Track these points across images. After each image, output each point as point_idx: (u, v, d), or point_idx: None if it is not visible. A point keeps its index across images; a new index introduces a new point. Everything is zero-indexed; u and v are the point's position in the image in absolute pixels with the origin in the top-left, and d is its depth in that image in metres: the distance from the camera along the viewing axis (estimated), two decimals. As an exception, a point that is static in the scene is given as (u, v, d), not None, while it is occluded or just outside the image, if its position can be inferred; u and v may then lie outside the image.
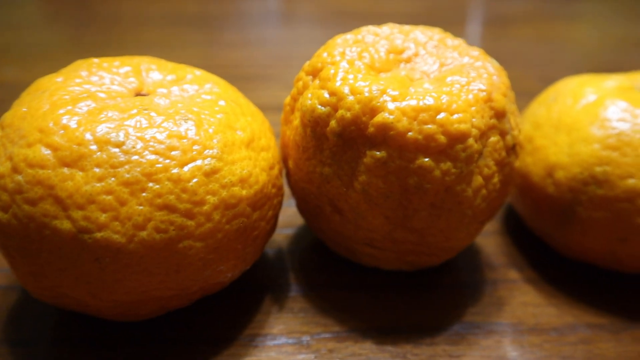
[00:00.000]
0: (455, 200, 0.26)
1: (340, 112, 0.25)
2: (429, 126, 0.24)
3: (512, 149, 0.27)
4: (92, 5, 0.86)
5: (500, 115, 0.26)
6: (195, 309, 0.29)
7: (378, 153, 0.25)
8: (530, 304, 0.30)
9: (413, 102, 0.25)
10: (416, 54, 0.29)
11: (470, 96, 0.25)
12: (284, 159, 0.30)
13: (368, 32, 0.30)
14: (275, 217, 0.28)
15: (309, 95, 0.27)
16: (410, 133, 0.24)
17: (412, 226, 0.26)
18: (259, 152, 0.27)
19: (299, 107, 0.28)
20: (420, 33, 0.30)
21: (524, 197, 0.32)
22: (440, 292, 0.31)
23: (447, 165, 0.25)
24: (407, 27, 0.31)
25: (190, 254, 0.23)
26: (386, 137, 0.25)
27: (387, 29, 0.30)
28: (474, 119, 0.25)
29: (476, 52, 0.29)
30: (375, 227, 0.27)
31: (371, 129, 0.25)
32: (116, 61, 0.28)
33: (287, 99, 0.29)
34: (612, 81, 0.32)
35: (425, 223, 0.26)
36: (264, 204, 0.27)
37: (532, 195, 0.32)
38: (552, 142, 0.31)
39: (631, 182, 0.28)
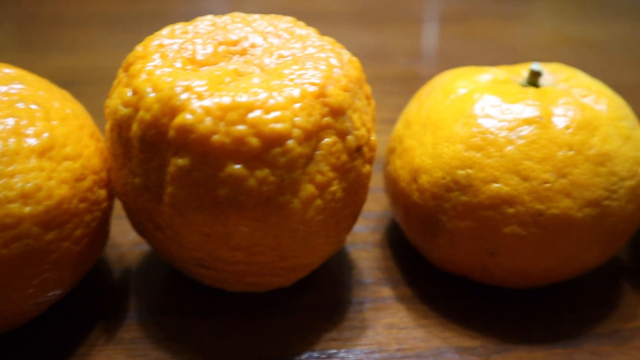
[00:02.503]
0: (279, 214, 0.22)
1: (140, 113, 0.22)
2: (239, 127, 0.21)
3: (357, 152, 0.24)
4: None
5: (336, 112, 0.23)
6: (10, 337, 0.25)
7: (181, 160, 0.21)
8: (396, 327, 0.27)
9: (223, 100, 0.21)
10: (253, 45, 0.25)
11: (296, 91, 0.22)
12: (109, 170, 0.26)
13: (202, 22, 0.26)
14: (91, 235, 0.25)
15: (115, 94, 0.23)
16: (215, 136, 0.21)
17: (236, 244, 0.23)
18: (60, 162, 0.23)
19: (106, 109, 0.24)
20: (265, 22, 0.26)
21: (395, 205, 0.29)
22: (296, 316, 0.27)
23: (263, 172, 0.21)
24: (253, 16, 0.27)
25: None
26: (188, 141, 0.21)
27: (228, 18, 0.27)
28: (296, 118, 0.21)
29: (323, 42, 0.25)
30: (197, 246, 0.23)
31: (172, 133, 0.21)
32: None
33: (107, 101, 0.26)
34: (489, 74, 0.28)
35: (249, 240, 0.23)
36: (66, 222, 0.23)
37: (401, 203, 0.28)
38: (418, 142, 0.27)
39: (495, 186, 0.24)
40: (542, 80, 0.28)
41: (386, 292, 0.29)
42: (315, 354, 0.25)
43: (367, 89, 0.26)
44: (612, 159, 0.24)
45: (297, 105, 0.21)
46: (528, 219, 0.24)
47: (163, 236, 0.24)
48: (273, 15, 0.27)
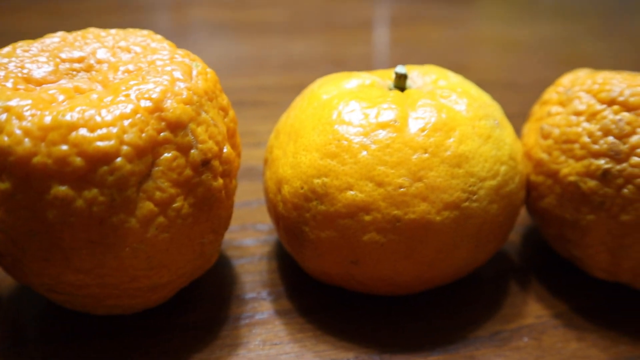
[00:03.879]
0: (115, 234, 0.21)
1: (-39, 137, 0.21)
2: (61, 147, 0.20)
3: (205, 166, 0.23)
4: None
5: (175, 127, 0.22)
6: None
7: (2, 184, 0.20)
8: (270, 343, 0.26)
9: (45, 120, 0.20)
10: (100, 61, 0.24)
11: (128, 107, 0.21)
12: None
13: (51, 38, 0.25)
14: None
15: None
16: (36, 157, 0.20)
17: (78, 267, 0.22)
18: None
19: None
20: (119, 37, 0.26)
21: (270, 217, 0.28)
22: (168, 336, 0.26)
23: (92, 193, 0.20)
24: (110, 31, 0.26)
25: None
26: (7, 164, 0.20)
27: (79, 34, 0.26)
28: (126, 135, 0.21)
29: (175, 55, 0.25)
30: (39, 271, 0.22)
31: (-8, 156, 0.20)
32: None
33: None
34: (358, 79, 0.28)
35: (91, 263, 0.22)
36: None
37: (272, 214, 0.27)
38: (283, 152, 0.26)
39: (350, 194, 0.24)
40: (411, 83, 0.28)
41: (266, 306, 0.28)
42: (179, 376, 0.24)
43: (223, 100, 0.25)
44: (470, 160, 0.24)
45: (127, 122, 0.21)
46: (385, 225, 0.23)
47: (7, 262, 0.23)
48: (130, 30, 0.27)
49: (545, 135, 0.28)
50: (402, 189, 0.23)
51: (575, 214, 0.26)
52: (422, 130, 0.24)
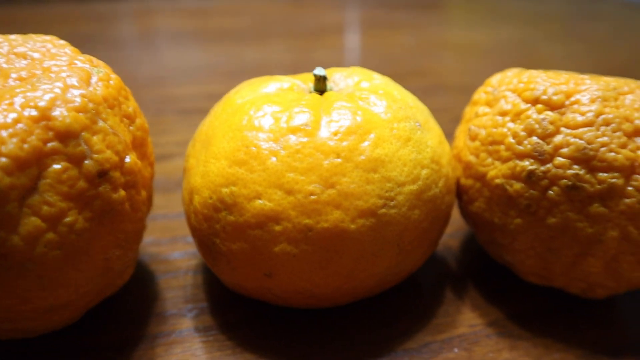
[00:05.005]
0: (-3, 253, 0.20)
1: None
2: None
3: (102, 177, 0.22)
4: None
5: (65, 136, 0.21)
6: None
7: None
8: (184, 363, 0.24)
9: None
10: (-6, 69, 0.23)
11: (9, 117, 0.20)
12: None
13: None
14: None
15: None
16: None
17: (-39, 290, 0.20)
18: None
19: None
20: (17, 42, 0.24)
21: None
22: (76, 358, 0.25)
23: (-34, 209, 0.19)
24: (10, 37, 0.25)
25: None
26: None
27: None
28: (4, 146, 0.19)
29: (76, 61, 0.23)
30: None
31: None
32: None
33: None
34: (277, 82, 0.27)
35: (-26, 285, 0.20)
36: None
37: (188, 226, 0.26)
38: (196, 160, 0.25)
39: (259, 203, 0.22)
40: (333, 85, 0.27)
41: (186, 323, 0.26)
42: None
43: (129, 107, 0.24)
44: (386, 164, 0.23)
45: (5, 132, 0.19)
46: (297, 235, 0.22)
47: None
48: (32, 35, 0.25)
49: (473, 137, 0.27)
50: (313, 197, 0.22)
51: (504, 218, 0.25)
52: (335, 134, 0.23)
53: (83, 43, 0.69)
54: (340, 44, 0.70)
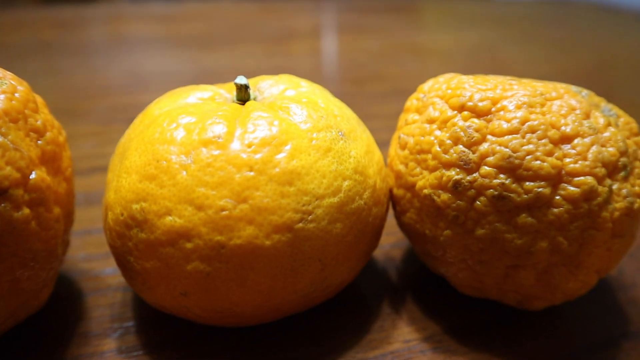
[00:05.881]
0: None
1: None
2: None
3: (2, 195, 0.21)
4: None
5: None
6: None
7: None
8: (102, 386, 0.23)
9: None
10: None
11: None
12: None
13: None
14: None
15: None
16: None
17: None
18: None
19: None
20: None
21: (110, 246, 0.26)
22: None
23: None
24: None
25: None
26: None
27: None
28: None
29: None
30: None
31: None
32: None
33: None
34: (200, 92, 0.26)
35: None
36: None
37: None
38: (113, 175, 0.24)
39: (169, 219, 0.21)
40: (257, 94, 0.26)
41: (109, 344, 0.25)
42: None
43: (37, 121, 0.23)
44: (303, 177, 0.22)
45: None
46: (209, 252, 0.21)
47: None
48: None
49: (403, 146, 0.26)
50: (224, 212, 0.21)
51: (434, 230, 0.24)
52: (249, 146, 0.22)
53: (44, 49, 0.68)
54: (306, 49, 0.69)
